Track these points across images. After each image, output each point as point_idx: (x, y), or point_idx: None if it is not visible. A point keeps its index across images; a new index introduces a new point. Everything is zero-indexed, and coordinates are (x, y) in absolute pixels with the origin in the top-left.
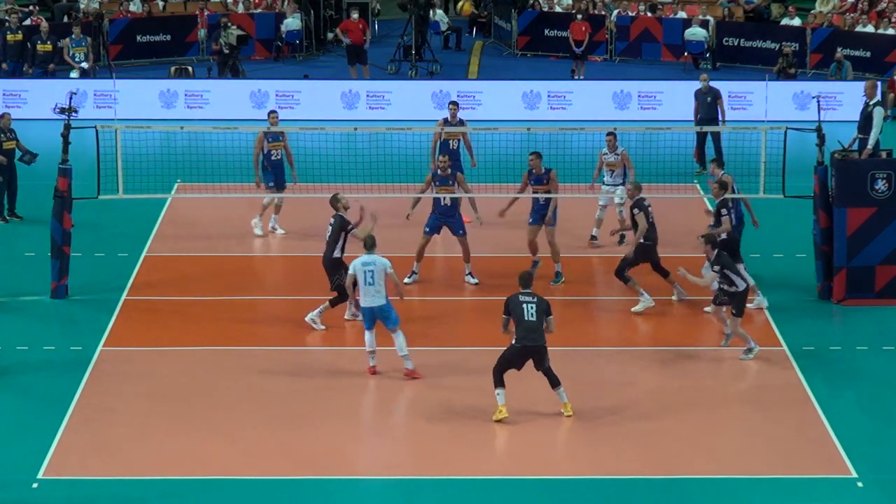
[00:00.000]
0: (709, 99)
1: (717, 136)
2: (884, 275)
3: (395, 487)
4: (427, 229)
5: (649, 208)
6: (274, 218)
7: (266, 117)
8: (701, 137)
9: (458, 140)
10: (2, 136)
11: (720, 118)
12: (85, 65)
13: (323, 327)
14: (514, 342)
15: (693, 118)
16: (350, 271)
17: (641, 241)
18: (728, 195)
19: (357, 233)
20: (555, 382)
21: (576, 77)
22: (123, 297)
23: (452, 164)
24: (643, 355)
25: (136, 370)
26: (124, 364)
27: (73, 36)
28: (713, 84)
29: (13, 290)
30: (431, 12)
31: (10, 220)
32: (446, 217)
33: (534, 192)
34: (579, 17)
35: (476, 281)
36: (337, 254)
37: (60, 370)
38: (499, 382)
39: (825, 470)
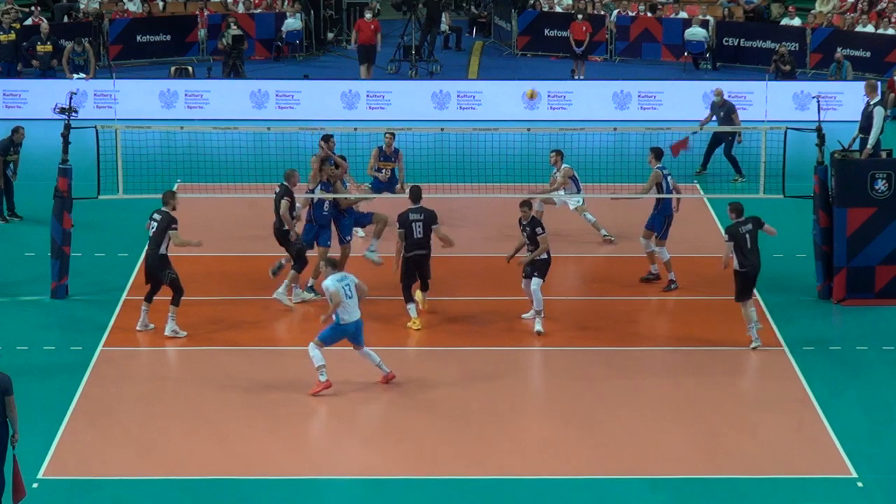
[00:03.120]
0: (722, 113)
1: (728, 146)
2: (884, 275)
3: (395, 487)
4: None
5: None
6: None
7: None
8: (712, 143)
9: (391, 170)
10: (11, 148)
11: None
12: (83, 75)
13: (291, 304)
14: (405, 253)
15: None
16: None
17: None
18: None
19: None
20: (424, 287)
21: (576, 77)
22: (123, 297)
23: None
24: (642, 355)
25: (136, 370)
26: (124, 364)
27: (74, 47)
28: (713, 83)
29: (13, 290)
30: (444, 15)
31: (10, 219)
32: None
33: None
34: (580, 17)
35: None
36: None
37: (60, 370)
38: (408, 299)
39: (825, 470)
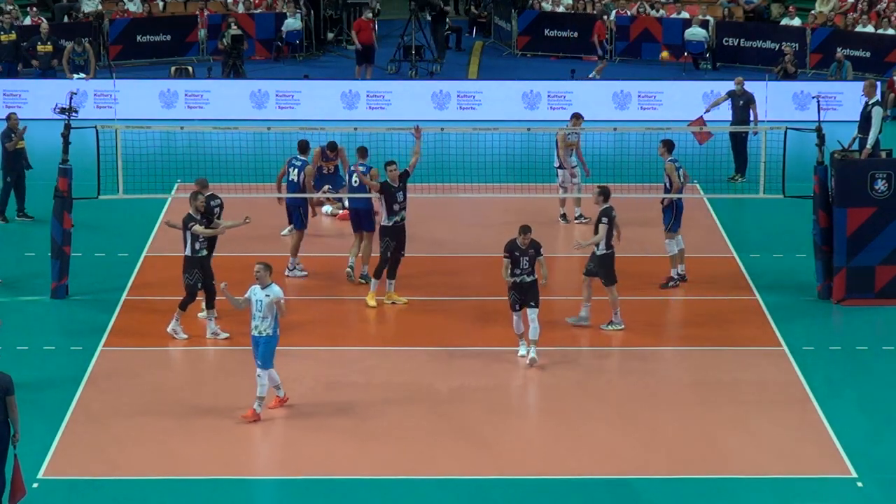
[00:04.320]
0: (741, 102)
1: (742, 141)
2: (884, 275)
3: (393, 487)
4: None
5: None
6: None
7: None
8: (733, 142)
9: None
10: (12, 134)
11: (752, 121)
12: (83, 75)
13: (225, 336)
14: (386, 224)
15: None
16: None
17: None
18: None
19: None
20: (391, 275)
21: (574, 77)
22: (123, 297)
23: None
24: (642, 355)
25: (136, 370)
26: (124, 364)
27: (75, 47)
28: (713, 83)
29: (13, 290)
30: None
31: (21, 220)
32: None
33: None
34: (605, 17)
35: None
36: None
37: (60, 370)
38: (378, 276)
39: (825, 470)
